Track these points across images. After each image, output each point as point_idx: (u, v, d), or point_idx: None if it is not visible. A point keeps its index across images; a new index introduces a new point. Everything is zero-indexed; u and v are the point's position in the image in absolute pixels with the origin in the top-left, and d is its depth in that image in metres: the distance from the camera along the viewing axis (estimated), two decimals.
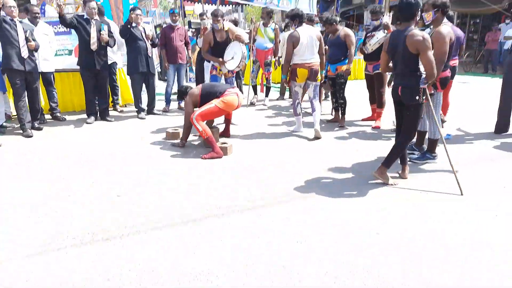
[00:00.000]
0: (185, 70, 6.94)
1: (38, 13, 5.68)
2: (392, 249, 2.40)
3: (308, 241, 2.50)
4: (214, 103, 4.31)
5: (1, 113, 5.30)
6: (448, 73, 3.90)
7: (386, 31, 4.88)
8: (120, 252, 2.39)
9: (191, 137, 4.84)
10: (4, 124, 5.38)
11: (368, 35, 5.31)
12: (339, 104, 5.43)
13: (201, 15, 7.93)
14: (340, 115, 5.48)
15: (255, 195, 3.21)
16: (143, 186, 3.42)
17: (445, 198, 3.12)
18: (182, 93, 4.65)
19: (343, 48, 5.20)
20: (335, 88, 5.45)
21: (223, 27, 5.08)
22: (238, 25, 7.33)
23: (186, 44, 6.60)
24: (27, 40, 4.96)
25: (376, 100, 5.43)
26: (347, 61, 5.23)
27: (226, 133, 4.91)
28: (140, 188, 3.38)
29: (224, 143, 4.39)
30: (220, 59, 5.10)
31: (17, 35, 4.87)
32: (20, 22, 5.00)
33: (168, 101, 6.66)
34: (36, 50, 5.17)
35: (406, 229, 2.64)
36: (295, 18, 4.84)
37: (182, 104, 6.79)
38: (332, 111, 6.03)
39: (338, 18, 5.46)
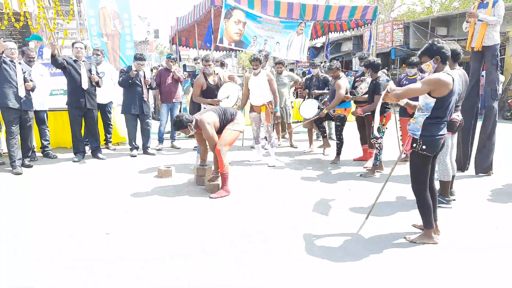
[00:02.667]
0: (178, 109, 7.08)
1: (34, 58, 5.82)
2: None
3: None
4: (234, 128, 4.26)
5: None
6: (456, 116, 3.72)
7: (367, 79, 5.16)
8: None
9: (181, 174, 4.84)
10: None
11: (357, 79, 5.59)
12: (336, 144, 5.79)
13: (195, 59, 8.24)
14: (336, 154, 5.78)
15: (236, 236, 3.18)
16: (133, 223, 3.36)
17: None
18: (182, 123, 4.08)
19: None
20: (322, 121, 5.96)
21: (214, 71, 5.31)
22: (226, 68, 7.53)
23: (179, 81, 6.76)
24: (25, 80, 5.07)
25: (368, 141, 5.56)
26: (344, 105, 5.72)
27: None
28: (130, 225, 3.32)
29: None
30: (215, 99, 5.23)
31: (16, 75, 4.99)
32: (20, 63, 5.14)
33: (161, 139, 6.72)
34: (32, 90, 5.27)
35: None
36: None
37: (175, 143, 6.86)
38: (324, 150, 6.31)
39: (339, 65, 5.97)
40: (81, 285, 2.39)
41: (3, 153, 5.77)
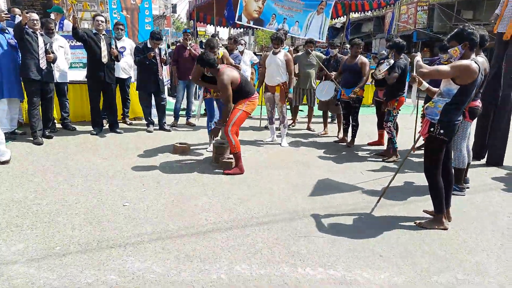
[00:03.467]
0: (194, 87, 7.11)
1: (53, 29, 5.88)
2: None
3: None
4: (242, 108, 4.29)
5: (14, 119, 5.44)
6: (478, 103, 3.81)
7: (394, 58, 5.00)
8: (125, 260, 2.43)
9: (198, 150, 4.93)
10: (16, 131, 5.51)
11: (381, 61, 5.48)
12: (352, 126, 5.68)
13: (213, 36, 8.18)
14: (351, 137, 5.71)
15: (263, 212, 3.26)
16: (149, 196, 3.48)
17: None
18: (203, 61, 4.19)
19: (359, 74, 5.49)
20: (348, 111, 5.71)
21: (219, 56, 5.17)
22: (245, 46, 7.41)
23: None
24: (46, 52, 5.16)
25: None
26: (362, 86, 5.57)
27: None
28: (147, 198, 3.44)
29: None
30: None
31: (38, 46, 5.07)
32: (42, 35, 5.22)
33: (177, 116, 6.80)
34: (53, 62, 5.37)
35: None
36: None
37: (191, 120, 6.94)
38: (338, 133, 6.25)
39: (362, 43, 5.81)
40: (94, 242, 2.53)
41: (24, 123, 5.95)
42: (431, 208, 3.16)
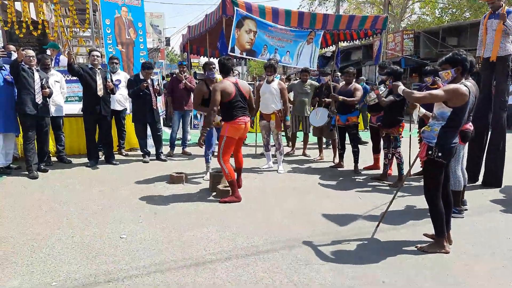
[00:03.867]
0: (189, 117, 7.18)
1: (49, 65, 5.98)
2: None
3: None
4: (224, 134, 4.26)
5: (9, 154, 5.41)
6: (469, 126, 3.79)
7: (387, 86, 5.02)
8: None
9: (194, 179, 4.92)
10: (11, 165, 5.47)
11: (373, 87, 5.65)
12: (353, 152, 5.73)
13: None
14: (354, 162, 5.76)
15: (258, 241, 3.23)
16: (147, 227, 3.44)
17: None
18: (227, 66, 4.32)
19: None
20: (343, 136, 5.88)
21: (217, 80, 5.18)
22: (238, 76, 7.62)
23: (191, 90, 6.86)
24: (42, 87, 5.23)
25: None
26: (356, 113, 5.79)
27: (238, 183, 4.59)
28: (144, 229, 3.39)
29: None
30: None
31: (34, 82, 5.14)
32: (37, 70, 5.30)
33: (172, 146, 6.82)
34: (49, 96, 5.43)
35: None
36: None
37: (186, 149, 6.96)
38: (334, 158, 6.30)
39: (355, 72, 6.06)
40: (95, 274, 2.46)
41: (20, 157, 5.91)
42: (431, 231, 3.15)
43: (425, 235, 3.32)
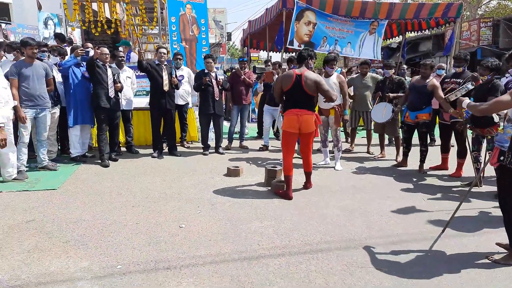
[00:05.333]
0: (247, 111, 7.28)
1: (123, 57, 6.44)
2: None
3: None
4: (282, 128, 4.35)
5: (86, 144, 5.95)
6: None
7: (474, 83, 4.42)
8: (180, 282, 2.49)
9: (249, 173, 4.98)
10: (87, 154, 6.01)
11: (446, 80, 5.20)
12: (421, 151, 5.38)
13: (266, 62, 8.38)
14: (420, 161, 5.41)
15: (317, 237, 3.18)
16: (204, 218, 3.56)
17: None
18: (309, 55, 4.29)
19: (426, 97, 5.19)
20: (410, 134, 5.49)
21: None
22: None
23: (250, 85, 6.96)
24: (114, 82, 5.65)
25: (458, 150, 5.14)
26: (428, 109, 5.26)
27: (306, 185, 4.57)
28: (202, 220, 3.52)
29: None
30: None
31: (107, 77, 5.57)
32: (110, 66, 5.73)
33: (230, 139, 6.98)
34: (120, 91, 5.85)
35: None
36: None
37: (244, 143, 7.07)
38: (396, 157, 6.02)
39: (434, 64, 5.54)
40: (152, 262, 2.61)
41: (93, 147, 6.47)
42: (505, 240, 2.85)
43: (498, 244, 3.01)
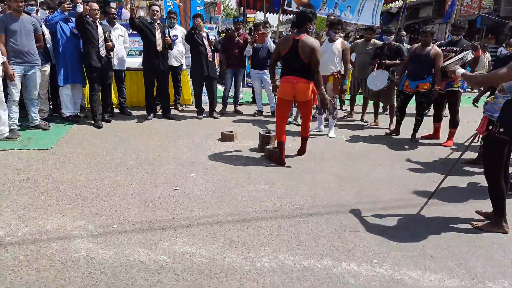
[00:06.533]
0: (242, 75, 7.16)
1: (115, 14, 6.20)
2: None
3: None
4: (277, 94, 4.30)
5: (77, 104, 5.86)
6: None
7: (474, 53, 4.34)
8: (175, 241, 2.56)
9: (242, 138, 5.01)
10: (79, 114, 5.94)
11: (442, 48, 5.09)
12: (416, 120, 5.39)
13: (264, 23, 8.12)
14: (413, 130, 5.44)
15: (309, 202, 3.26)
16: (198, 181, 3.61)
17: None
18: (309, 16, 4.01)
19: (428, 66, 5.04)
20: (405, 103, 5.47)
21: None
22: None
23: (244, 48, 6.78)
24: (105, 40, 5.46)
25: (450, 120, 5.17)
26: (430, 79, 5.09)
27: (301, 151, 4.57)
28: (196, 183, 3.57)
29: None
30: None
31: (98, 35, 5.38)
32: (101, 24, 5.52)
33: (225, 104, 6.92)
34: (112, 49, 5.67)
35: None
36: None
37: (238, 107, 7.03)
38: (389, 125, 6.06)
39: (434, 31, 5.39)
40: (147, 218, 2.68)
41: (86, 107, 6.38)
42: (484, 209, 2.96)
43: (478, 212, 3.13)
